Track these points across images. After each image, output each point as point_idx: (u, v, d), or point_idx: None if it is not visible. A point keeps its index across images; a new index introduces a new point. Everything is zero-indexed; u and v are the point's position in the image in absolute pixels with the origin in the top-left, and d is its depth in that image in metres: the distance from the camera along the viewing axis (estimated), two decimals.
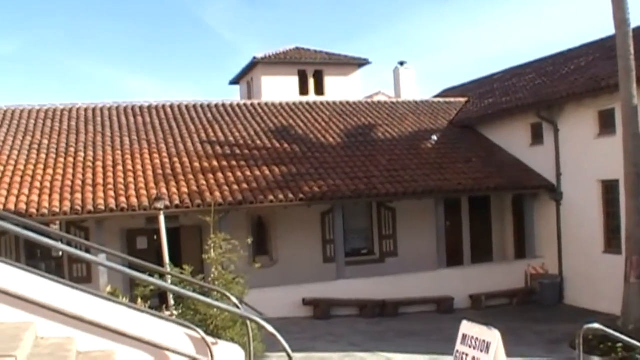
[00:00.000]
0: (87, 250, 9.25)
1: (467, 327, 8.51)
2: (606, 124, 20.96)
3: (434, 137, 26.50)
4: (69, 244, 7.07)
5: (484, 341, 8.09)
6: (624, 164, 17.22)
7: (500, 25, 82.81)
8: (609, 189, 21.01)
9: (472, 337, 8.30)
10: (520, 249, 25.07)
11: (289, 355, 6.31)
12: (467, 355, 8.27)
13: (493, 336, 7.99)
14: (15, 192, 19.44)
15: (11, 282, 5.67)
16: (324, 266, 23.17)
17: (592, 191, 21.63)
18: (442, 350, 14.25)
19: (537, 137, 24.29)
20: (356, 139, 25.72)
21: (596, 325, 9.82)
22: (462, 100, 31.09)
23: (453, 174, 23.68)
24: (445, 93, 35.11)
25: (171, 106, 27.54)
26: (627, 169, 17.08)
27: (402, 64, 34.46)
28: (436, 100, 32.44)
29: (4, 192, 19.33)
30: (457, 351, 8.46)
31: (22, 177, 20.43)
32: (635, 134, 16.87)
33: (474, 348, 8.18)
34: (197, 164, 22.14)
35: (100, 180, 20.53)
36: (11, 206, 18.46)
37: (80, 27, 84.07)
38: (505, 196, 25.70)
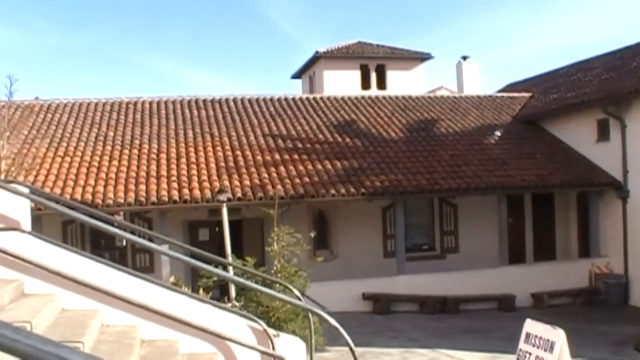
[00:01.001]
0: (151, 240, 9.38)
1: (531, 326, 8.39)
2: None
3: (497, 133, 26.20)
4: (132, 233, 7.16)
5: (548, 340, 7.97)
6: None
7: (567, 19, 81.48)
8: None
9: (536, 336, 8.18)
10: (584, 248, 24.63)
11: (351, 348, 6.30)
12: (530, 354, 8.16)
13: (558, 335, 7.87)
14: (81, 182, 19.83)
15: (79, 270, 5.78)
16: (384, 261, 23.10)
17: None
18: (503, 349, 14.10)
19: (603, 134, 23.83)
20: (418, 134, 25.58)
21: None
22: (526, 95, 30.68)
23: (516, 170, 23.38)
24: (508, 88, 34.68)
25: (234, 100, 27.74)
26: None
27: (465, 58, 34.19)
28: (499, 95, 32.07)
29: (71, 183, 19.73)
30: (520, 350, 8.35)
31: (88, 168, 20.83)
32: None
33: (538, 347, 8.07)
34: (259, 157, 22.24)
35: (164, 172, 20.78)
36: (78, 196, 18.83)
37: (146, 23, 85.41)
38: (570, 193, 25.26)
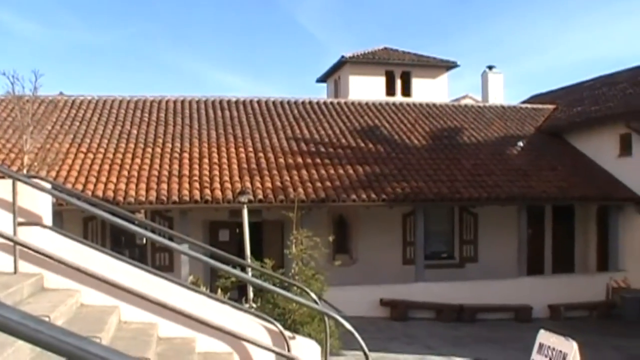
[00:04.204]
0: (171, 239, 9.43)
1: (545, 337, 8.40)
2: None
3: (520, 144, 26.09)
4: (153, 231, 7.23)
5: (560, 351, 7.98)
6: None
7: (593, 32, 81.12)
8: None
9: (549, 347, 8.20)
10: (602, 261, 24.49)
11: (365, 353, 6.33)
12: None
13: (570, 347, 7.88)
14: (103, 179, 19.95)
15: (98, 267, 5.84)
16: (403, 268, 23.06)
17: None
18: (519, 359, 14.06)
19: (626, 148, 23.70)
20: (441, 142, 25.54)
21: None
22: (550, 107, 30.53)
23: (538, 181, 23.30)
24: (533, 99, 34.52)
25: (258, 102, 27.81)
26: None
27: (490, 68, 34.11)
28: (524, 106, 31.96)
29: (93, 179, 19.84)
30: None
31: (110, 165, 20.95)
32: None
33: (550, 358, 8.07)
34: (281, 160, 22.29)
35: (186, 172, 20.87)
36: (99, 193, 18.94)
37: (174, 22, 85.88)
38: (590, 207, 25.13)
